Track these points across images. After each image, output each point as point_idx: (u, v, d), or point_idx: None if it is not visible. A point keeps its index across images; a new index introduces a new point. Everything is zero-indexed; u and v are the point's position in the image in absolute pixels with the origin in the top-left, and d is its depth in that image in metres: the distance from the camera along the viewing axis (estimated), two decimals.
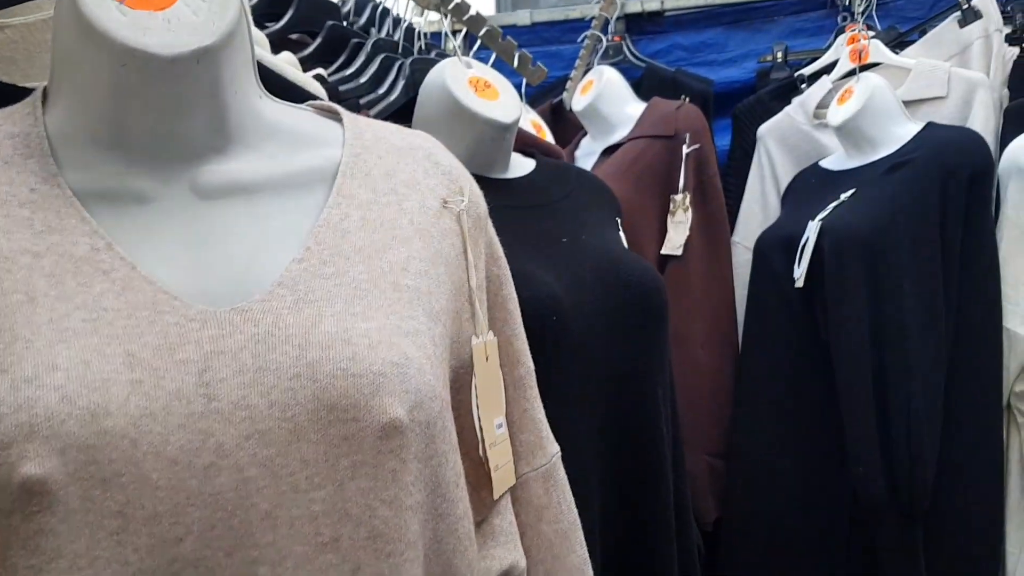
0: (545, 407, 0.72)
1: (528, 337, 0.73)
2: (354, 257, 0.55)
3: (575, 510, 0.70)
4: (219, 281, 0.52)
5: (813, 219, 1.37)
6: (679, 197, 1.51)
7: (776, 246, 1.46)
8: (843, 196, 1.39)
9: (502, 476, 0.63)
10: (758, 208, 1.66)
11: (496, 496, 0.63)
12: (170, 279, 0.51)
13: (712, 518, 1.49)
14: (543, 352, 0.79)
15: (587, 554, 0.70)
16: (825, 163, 1.53)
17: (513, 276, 0.72)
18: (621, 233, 1.06)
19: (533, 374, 0.70)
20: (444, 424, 0.55)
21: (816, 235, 1.35)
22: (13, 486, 0.43)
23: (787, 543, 1.39)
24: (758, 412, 1.46)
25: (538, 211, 0.96)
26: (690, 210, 1.51)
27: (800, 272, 1.38)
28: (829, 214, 1.37)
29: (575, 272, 0.90)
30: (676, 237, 1.50)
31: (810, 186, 1.51)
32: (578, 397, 0.88)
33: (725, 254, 1.58)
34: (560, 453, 0.71)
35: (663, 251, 1.52)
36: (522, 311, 0.73)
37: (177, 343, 0.49)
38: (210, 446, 0.47)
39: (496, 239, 0.68)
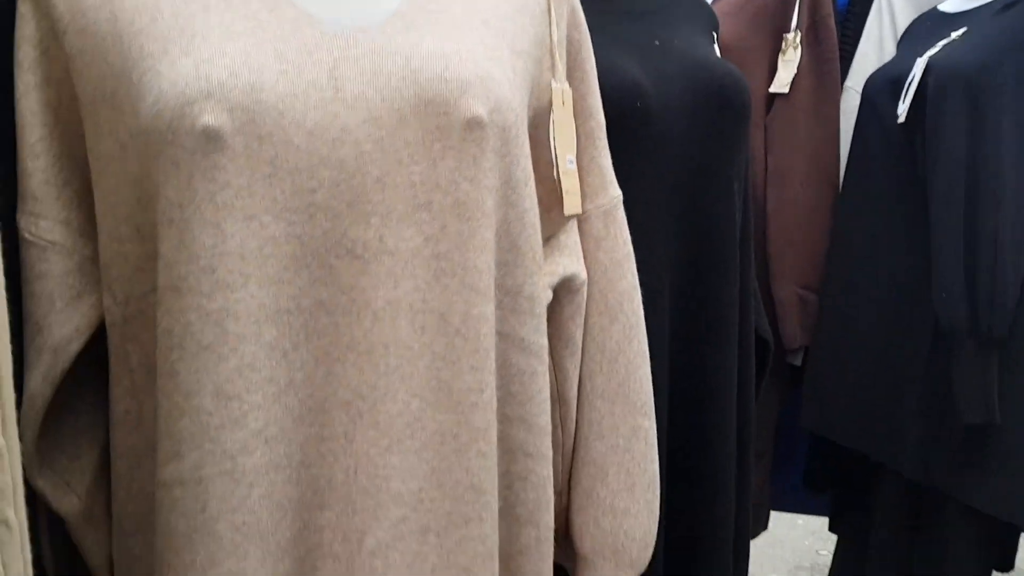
0: (624, 188, 0.84)
1: (610, 124, 0.84)
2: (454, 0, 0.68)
3: (630, 245, 0.83)
4: (348, 11, 0.67)
5: (921, 57, 1.40)
6: (790, 35, 1.55)
7: (884, 86, 1.50)
8: (954, 35, 1.41)
9: (571, 200, 0.77)
10: (874, 53, 1.67)
11: (566, 213, 0.76)
12: (309, 5, 0.66)
13: (797, 345, 1.58)
14: (624, 137, 0.90)
15: (636, 282, 0.83)
16: (943, 6, 1.53)
17: (601, 67, 0.83)
18: (716, 47, 1.14)
19: (603, 127, 0.82)
20: (518, 134, 0.69)
21: (922, 72, 1.38)
22: (196, 131, 0.60)
23: (869, 368, 1.47)
24: (852, 245, 1.52)
25: (633, 16, 1.05)
26: (800, 49, 1.55)
27: (903, 108, 1.42)
28: (937, 52, 1.39)
29: (662, 69, 1.00)
30: (784, 75, 1.56)
31: (925, 28, 1.53)
32: (655, 184, 0.99)
33: (833, 95, 1.61)
34: (621, 197, 0.83)
35: (771, 89, 1.58)
36: (606, 98, 0.85)
37: (313, 49, 0.64)
38: (337, 124, 0.63)
39: (580, 9, 0.80)
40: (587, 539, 0.82)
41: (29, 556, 0.47)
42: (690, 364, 1.01)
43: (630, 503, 0.82)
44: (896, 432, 1.40)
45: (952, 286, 1.32)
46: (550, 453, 0.75)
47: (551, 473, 0.75)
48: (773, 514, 1.67)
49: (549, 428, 0.75)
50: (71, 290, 0.66)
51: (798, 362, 1.63)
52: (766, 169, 1.58)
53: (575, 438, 0.83)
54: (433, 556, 0.67)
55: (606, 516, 0.81)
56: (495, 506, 0.70)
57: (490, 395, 0.68)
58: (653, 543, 0.84)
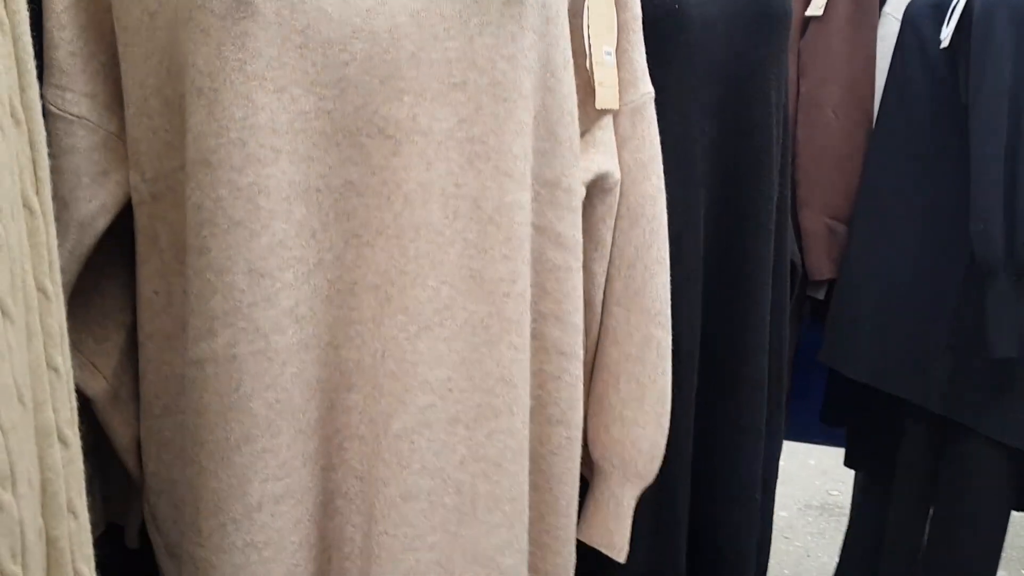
0: (658, 92, 0.82)
1: (649, 23, 0.81)
2: None
3: (657, 146, 0.81)
4: None
5: None
6: None
7: (926, 10, 1.45)
8: None
9: (606, 93, 0.75)
10: None
11: (598, 106, 0.74)
12: None
13: (823, 276, 1.56)
14: (660, 42, 0.88)
15: (662, 185, 0.81)
16: None
17: None
18: None
19: (639, 20, 0.79)
20: (559, 12, 0.66)
21: None
22: None
23: (898, 302, 1.45)
24: (887, 174, 1.49)
25: None
26: None
27: (947, 32, 1.38)
28: None
29: None
30: None
31: None
32: (692, 89, 0.96)
33: (870, 21, 1.57)
34: (652, 94, 0.81)
35: (807, 13, 1.53)
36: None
37: None
38: None
39: None
40: (598, 446, 0.82)
41: (75, 404, 0.47)
42: (724, 281, 1.00)
43: (639, 413, 0.81)
44: (922, 367, 1.38)
45: (989, 218, 1.29)
46: (582, 352, 0.74)
47: (582, 372, 0.75)
48: (784, 452, 1.67)
49: (582, 327, 0.74)
50: (97, 166, 0.65)
51: (821, 295, 1.61)
52: (798, 95, 1.55)
53: (594, 344, 0.82)
54: (462, 448, 0.67)
55: (615, 424, 0.81)
56: (527, 401, 0.69)
57: (523, 287, 0.67)
58: (660, 456, 0.83)
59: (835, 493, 2.67)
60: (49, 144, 0.65)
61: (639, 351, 0.81)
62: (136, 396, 0.70)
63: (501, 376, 0.67)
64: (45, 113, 0.65)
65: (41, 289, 0.44)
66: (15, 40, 0.43)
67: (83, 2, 0.64)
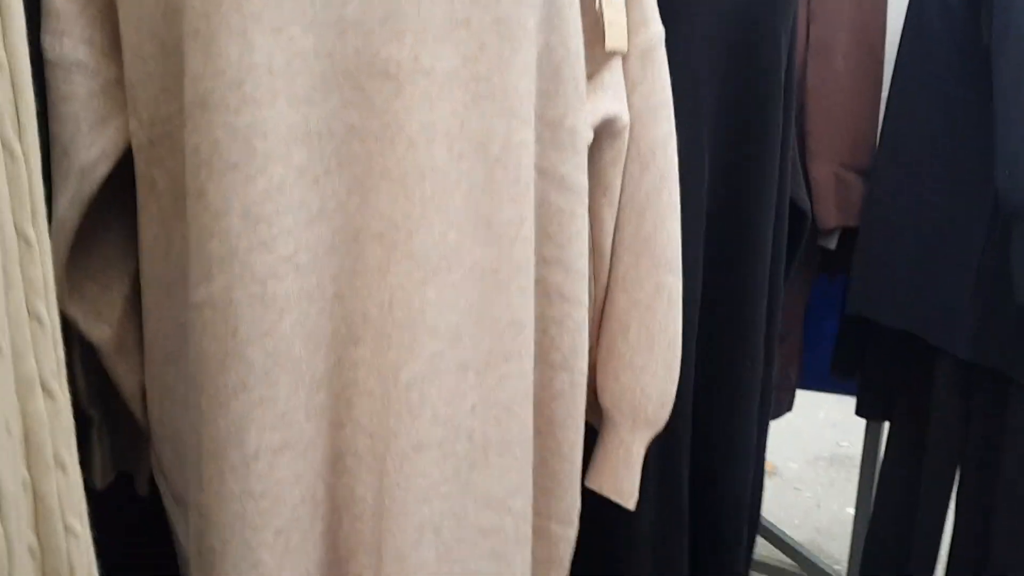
0: (667, 36, 0.79)
1: None
2: None
3: (668, 89, 0.79)
4: None
5: None
6: None
7: None
8: None
9: (614, 34, 0.73)
10: None
11: (607, 47, 0.72)
12: None
13: (832, 225, 1.55)
14: None
15: (673, 129, 0.79)
16: None
17: None
18: None
19: None
20: None
21: None
22: None
23: (924, 249, 1.43)
24: (909, 119, 1.47)
25: None
26: None
27: None
28: None
29: None
30: None
31: None
32: (699, 29, 0.94)
33: None
34: (663, 35, 0.79)
35: None
36: None
37: None
38: None
39: None
40: (607, 394, 0.81)
41: (62, 356, 0.46)
42: (726, 222, 0.99)
43: (648, 361, 0.80)
44: (951, 313, 1.37)
45: (1016, 164, 1.27)
46: (586, 298, 0.73)
47: (586, 319, 0.74)
48: (794, 406, 1.67)
49: (587, 272, 0.73)
50: (96, 113, 0.64)
51: (832, 245, 1.60)
52: (807, 41, 1.52)
53: (603, 291, 0.81)
54: (473, 394, 0.66)
55: (625, 372, 0.80)
56: (532, 342, 0.69)
57: (529, 229, 0.66)
58: (670, 403, 0.82)
59: (844, 444, 2.67)
60: (47, 91, 0.64)
61: (649, 298, 0.80)
62: (141, 344, 0.70)
63: (511, 320, 0.66)
64: (42, 60, 0.64)
65: (22, 236, 0.43)
66: None
67: None
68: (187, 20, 0.58)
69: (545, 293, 0.71)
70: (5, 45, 0.43)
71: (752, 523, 1.14)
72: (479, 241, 0.64)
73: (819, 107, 1.53)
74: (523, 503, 0.71)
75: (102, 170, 0.64)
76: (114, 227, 0.69)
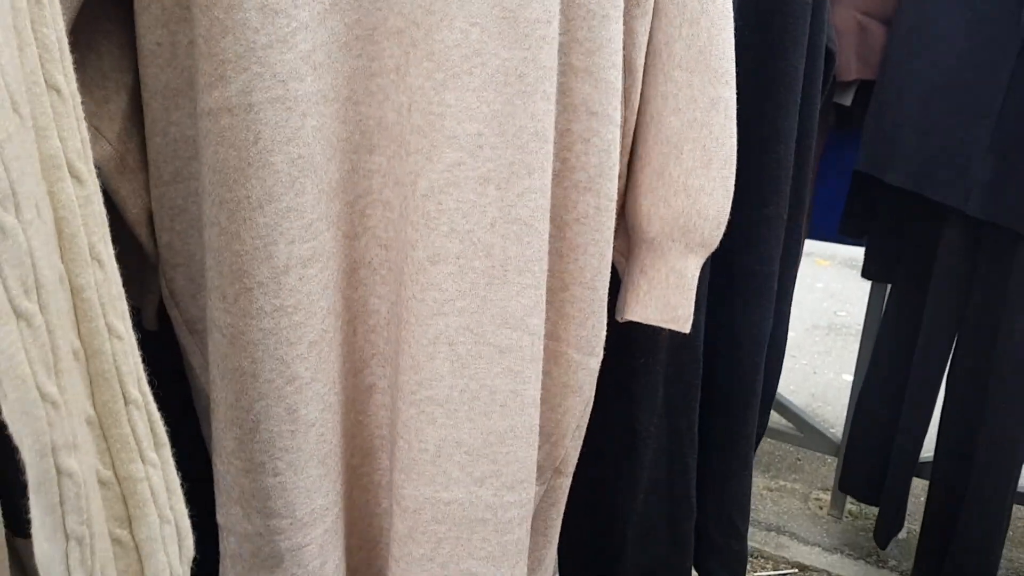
0: None
1: None
2: None
3: None
4: None
5: None
6: None
7: None
8: None
9: None
10: None
11: None
12: None
13: (851, 76, 1.49)
14: None
15: None
16: None
17: None
18: None
19: None
20: None
21: None
22: None
23: (939, 103, 1.38)
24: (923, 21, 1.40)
25: None
26: None
27: None
28: None
29: None
30: None
31: None
32: None
33: None
34: None
35: None
36: None
37: None
38: None
39: None
40: (655, 222, 0.78)
41: (87, 136, 0.41)
42: (755, 64, 0.93)
43: (705, 180, 0.76)
44: (963, 167, 1.34)
45: None
46: (617, 115, 0.69)
47: (617, 137, 0.70)
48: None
49: (619, 86, 0.68)
50: None
51: (847, 102, 1.55)
52: None
53: (643, 114, 0.76)
54: (493, 209, 0.63)
55: (678, 196, 0.76)
56: (552, 156, 0.65)
57: (556, 28, 0.61)
58: (726, 222, 0.79)
59: (842, 314, 2.69)
60: None
61: (704, 115, 0.75)
62: (144, 164, 0.65)
63: (535, 131, 0.62)
64: None
65: None
66: None
67: None
68: None
69: (571, 105, 0.67)
70: None
71: (768, 388, 1.13)
72: (504, 41, 0.59)
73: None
74: (538, 321, 0.69)
75: None
76: (107, 34, 0.63)
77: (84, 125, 0.42)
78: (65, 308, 0.39)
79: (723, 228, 0.79)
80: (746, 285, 1.03)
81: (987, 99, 1.31)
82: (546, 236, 0.66)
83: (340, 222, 0.62)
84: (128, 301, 0.74)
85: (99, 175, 0.65)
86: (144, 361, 0.74)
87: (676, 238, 0.78)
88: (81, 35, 0.61)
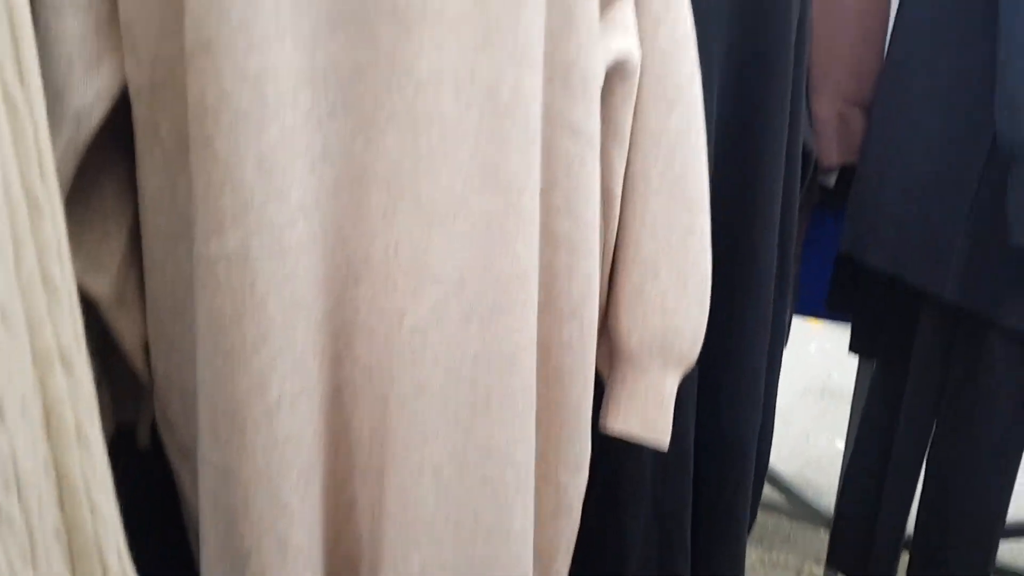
0: None
1: None
2: None
3: (692, 26, 0.77)
4: None
5: None
6: None
7: None
8: None
9: None
10: None
11: None
12: None
13: (834, 163, 1.53)
14: None
15: (697, 68, 0.77)
16: None
17: None
18: None
19: None
20: None
21: None
22: None
23: (919, 187, 1.42)
24: (910, 55, 1.44)
25: None
26: None
27: None
28: None
29: None
30: None
31: None
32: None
33: None
34: None
35: None
36: None
37: None
38: None
39: None
40: (634, 337, 0.80)
41: (80, 323, 0.44)
42: (736, 166, 0.97)
43: (681, 301, 0.79)
44: (940, 253, 1.37)
45: (1016, 105, 1.25)
46: (596, 248, 0.72)
47: (597, 267, 0.73)
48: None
49: (596, 222, 0.72)
50: (90, 53, 0.61)
51: (830, 183, 1.59)
52: None
53: (623, 235, 0.79)
54: (475, 343, 0.66)
55: (656, 314, 0.79)
56: (536, 294, 0.68)
57: (537, 179, 0.65)
58: (701, 340, 0.82)
59: (835, 376, 2.71)
60: (38, 31, 0.61)
61: (680, 239, 0.79)
62: (142, 296, 0.68)
63: (515, 272, 0.65)
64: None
65: (30, 195, 0.41)
66: None
67: None
68: None
69: (553, 242, 0.70)
70: None
71: (760, 469, 1.15)
72: (486, 190, 0.62)
73: (823, 42, 1.49)
74: (525, 453, 0.71)
75: (98, 114, 0.62)
76: (110, 174, 0.66)
77: (78, 310, 0.44)
78: (48, 491, 0.41)
79: (699, 346, 0.82)
80: (735, 385, 1.05)
81: (961, 190, 1.35)
82: (531, 370, 0.69)
83: (326, 350, 0.64)
84: (121, 419, 0.76)
85: (98, 308, 0.68)
86: (135, 481, 0.76)
87: (655, 355, 0.80)
88: (86, 173, 0.64)
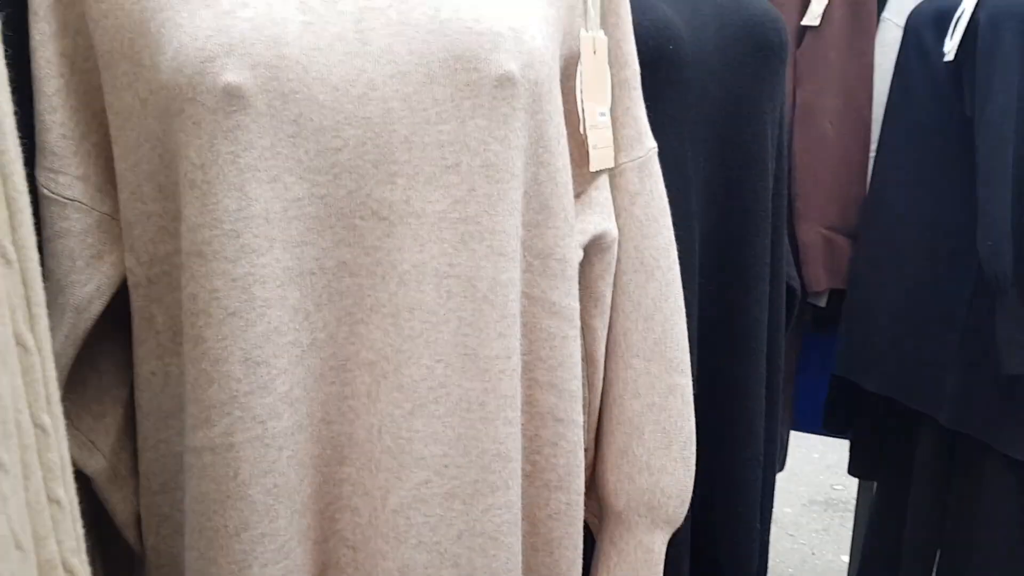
0: (655, 134, 0.81)
1: (643, 64, 0.81)
2: None
3: (665, 199, 0.81)
4: None
5: None
6: None
7: (929, 19, 1.44)
8: None
9: (600, 155, 0.74)
10: None
11: (592, 168, 0.74)
12: None
13: (822, 287, 1.56)
14: (656, 82, 0.87)
15: (672, 237, 0.81)
16: None
17: (634, 5, 0.80)
18: None
19: (638, 76, 0.79)
20: (550, 89, 0.66)
21: (972, 8, 1.32)
22: (217, 90, 0.57)
23: (908, 314, 1.44)
24: (893, 186, 1.49)
25: None
26: None
27: (952, 45, 1.36)
28: None
29: (695, 7, 0.96)
30: (816, 6, 1.50)
31: None
32: (686, 130, 0.96)
33: (868, 29, 1.55)
34: (656, 149, 0.80)
35: (802, 22, 1.52)
36: (639, 38, 0.81)
37: None
38: (363, 80, 0.60)
39: None
40: (622, 497, 0.82)
41: (81, 532, 0.47)
42: (720, 314, 1.00)
43: (666, 461, 0.81)
44: (934, 379, 1.38)
45: (997, 235, 1.28)
46: (580, 419, 0.74)
47: (581, 438, 0.75)
48: (788, 447, 1.69)
49: (580, 394, 0.74)
50: (91, 248, 0.65)
51: (822, 303, 1.62)
52: (794, 106, 1.54)
53: (607, 397, 0.82)
54: (459, 523, 0.67)
55: (641, 474, 0.81)
56: (519, 472, 0.70)
57: (516, 361, 0.67)
58: (688, 499, 0.83)
59: (839, 488, 2.68)
60: (43, 227, 0.65)
61: (663, 400, 0.81)
62: (135, 472, 0.70)
63: (497, 452, 0.67)
64: (38, 197, 0.65)
65: (39, 425, 0.44)
66: (4, 178, 0.42)
67: (74, 84, 0.64)
68: (183, 170, 0.59)
69: (539, 415, 0.72)
70: (15, 240, 0.44)
71: None
72: (466, 375, 0.65)
73: (806, 170, 1.54)
74: None
75: (97, 307, 0.65)
76: (107, 355, 0.69)
77: (79, 522, 0.47)
78: None
79: (686, 505, 0.83)
80: (731, 528, 1.05)
81: (951, 317, 1.37)
82: (515, 547, 0.70)
83: (311, 531, 0.66)
84: None
85: (92, 484, 0.70)
86: None
87: (642, 513, 0.82)
88: (84, 355, 0.67)
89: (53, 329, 0.65)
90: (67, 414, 0.68)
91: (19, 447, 0.42)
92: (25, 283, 0.44)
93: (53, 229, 0.65)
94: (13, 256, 0.43)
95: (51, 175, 0.64)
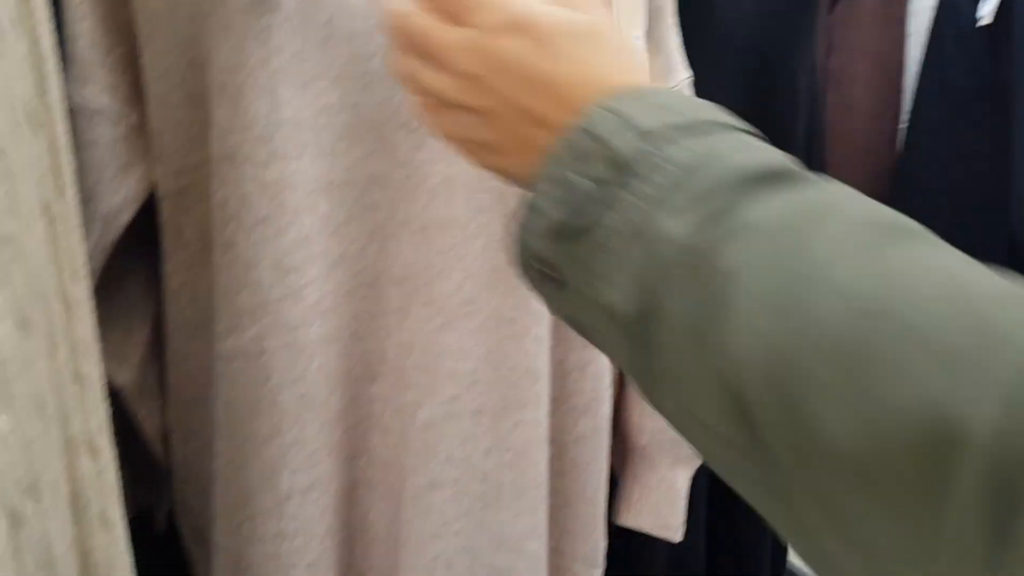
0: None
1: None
2: None
3: None
4: None
5: None
6: None
7: None
8: None
9: None
10: None
11: None
12: None
13: None
14: (685, 22, 0.86)
15: None
16: None
17: None
18: None
19: (674, 3, 0.77)
20: None
21: None
22: None
23: None
24: (925, 153, 1.47)
25: None
26: None
27: (988, 9, 1.34)
28: None
29: None
30: None
31: None
32: (716, 73, 0.94)
33: None
34: (690, 79, 0.79)
35: None
36: None
37: None
38: None
39: None
40: (644, 433, 0.81)
41: (107, 412, 0.47)
42: None
43: None
44: None
45: None
46: None
47: (608, 365, 0.74)
48: None
49: None
50: (120, 159, 0.65)
51: None
52: (826, 72, 1.52)
53: None
54: (487, 439, 0.67)
55: None
56: (547, 391, 0.69)
57: None
58: None
59: None
60: (71, 138, 0.65)
61: None
62: (163, 386, 0.70)
63: (526, 369, 0.66)
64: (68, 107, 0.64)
65: (66, 297, 0.44)
66: (34, 41, 0.42)
67: None
68: (213, 73, 0.59)
69: (565, 339, 0.71)
70: (44, 104, 0.43)
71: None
72: (496, 291, 0.64)
73: (837, 138, 1.52)
74: (537, 545, 0.72)
75: (125, 217, 0.65)
76: (135, 270, 0.69)
77: (105, 401, 0.47)
78: (72, 570, 0.43)
79: None
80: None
81: None
82: (542, 463, 0.70)
83: (341, 446, 0.66)
84: (140, 503, 0.78)
85: (120, 397, 0.70)
86: (152, 565, 0.77)
87: (666, 452, 0.81)
88: (111, 270, 0.67)
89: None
90: (97, 328, 0.68)
91: (46, 315, 0.42)
92: (53, 150, 0.44)
93: (81, 139, 0.65)
94: (43, 119, 0.42)
95: (79, 85, 0.64)
